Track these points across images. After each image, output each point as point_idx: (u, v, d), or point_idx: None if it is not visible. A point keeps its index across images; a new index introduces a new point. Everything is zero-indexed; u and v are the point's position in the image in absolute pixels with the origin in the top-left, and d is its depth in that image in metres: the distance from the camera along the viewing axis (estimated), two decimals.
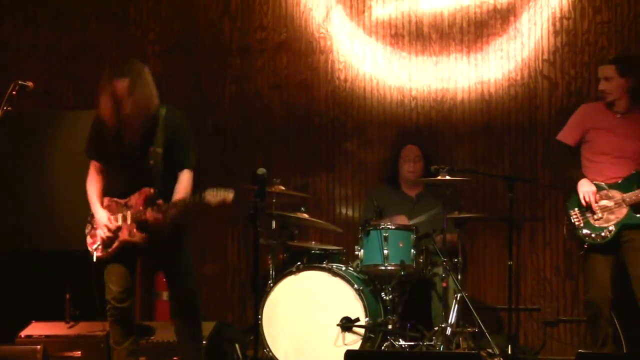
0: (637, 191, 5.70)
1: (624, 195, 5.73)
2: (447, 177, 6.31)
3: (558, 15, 7.13)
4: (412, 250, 6.24)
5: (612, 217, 5.74)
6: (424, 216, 6.60)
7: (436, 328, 6.24)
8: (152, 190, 5.27)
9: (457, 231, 6.54)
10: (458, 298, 6.25)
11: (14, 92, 5.35)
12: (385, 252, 6.20)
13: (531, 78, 7.16)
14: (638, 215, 5.71)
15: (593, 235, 5.76)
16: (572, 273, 7.07)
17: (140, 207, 5.28)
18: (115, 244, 5.31)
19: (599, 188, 5.80)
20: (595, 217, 5.76)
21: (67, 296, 6.49)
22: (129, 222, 5.28)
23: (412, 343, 6.18)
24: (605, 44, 7.06)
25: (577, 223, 5.81)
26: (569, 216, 5.86)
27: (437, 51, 7.26)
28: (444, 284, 6.29)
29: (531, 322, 7.10)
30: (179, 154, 5.36)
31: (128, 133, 5.28)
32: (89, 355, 6.19)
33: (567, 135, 6.00)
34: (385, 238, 6.21)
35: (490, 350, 6.22)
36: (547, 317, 7.06)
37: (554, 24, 7.13)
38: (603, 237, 5.74)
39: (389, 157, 7.13)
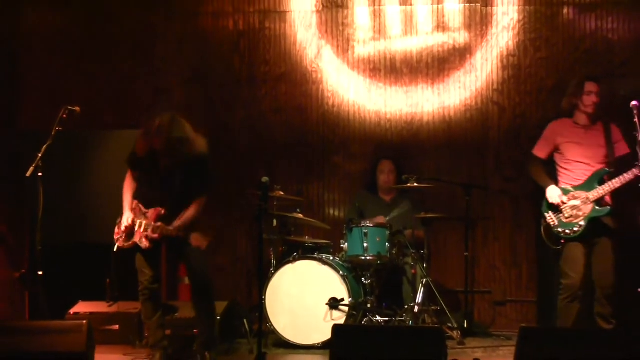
0: (598, 188, 5.57)
1: (588, 193, 5.59)
2: (416, 184, 6.38)
3: (505, 53, 7.16)
4: (387, 244, 6.29)
5: (580, 213, 5.59)
6: (396, 212, 6.59)
7: (406, 307, 6.31)
8: (162, 211, 5.38)
9: (423, 228, 6.59)
10: (424, 282, 6.31)
11: (64, 116, 5.44)
12: (365, 245, 6.24)
13: (484, 104, 7.18)
14: (600, 209, 5.58)
15: (567, 231, 5.61)
16: (517, 262, 7.11)
17: (152, 222, 5.38)
18: (131, 242, 5.43)
19: (566, 191, 5.65)
20: (566, 215, 5.62)
21: (107, 281, 6.48)
22: (142, 230, 5.39)
23: (387, 319, 6.24)
24: (544, 75, 7.10)
25: (552, 223, 5.66)
26: (545, 219, 5.71)
27: (408, 82, 7.27)
28: (413, 271, 6.38)
29: (484, 302, 7.15)
30: (195, 185, 5.42)
31: (162, 163, 5.38)
32: (125, 328, 6.26)
33: (540, 150, 5.84)
34: (365, 234, 6.26)
35: (450, 325, 6.32)
36: (496, 298, 7.11)
37: (502, 60, 7.16)
38: (575, 232, 5.59)
39: (368, 168, 7.11)
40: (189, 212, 5.43)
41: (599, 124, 5.74)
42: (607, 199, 5.65)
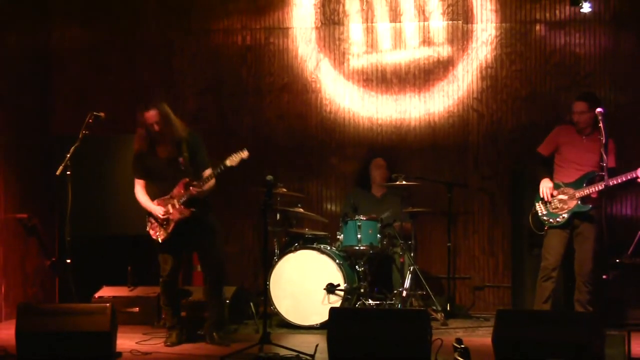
0: (584, 188, 5.63)
1: (575, 190, 5.66)
2: (404, 182, 6.37)
3: (484, 65, 7.14)
4: (378, 235, 6.28)
5: (565, 206, 5.65)
6: (388, 212, 6.54)
7: (395, 291, 6.30)
8: (187, 179, 5.36)
9: (411, 221, 6.57)
10: (411, 270, 6.31)
11: (90, 121, 5.46)
12: (359, 236, 6.23)
13: (464, 111, 7.16)
14: (582, 205, 5.64)
15: (551, 220, 5.69)
16: (494, 252, 7.10)
17: (182, 192, 5.35)
18: (172, 224, 5.38)
19: (557, 186, 5.72)
20: (553, 206, 5.68)
21: (129, 268, 6.53)
22: (177, 205, 5.35)
23: (378, 302, 6.23)
24: (518, 86, 7.09)
25: (540, 212, 5.74)
26: (534, 206, 5.79)
27: (397, 91, 7.24)
28: (401, 260, 6.38)
29: (464, 287, 7.14)
30: (200, 161, 5.44)
31: (162, 148, 5.35)
32: (144, 310, 6.28)
33: (543, 148, 5.89)
34: (359, 226, 6.25)
35: (434, 308, 6.32)
36: (476, 284, 7.10)
37: (481, 72, 7.14)
38: (558, 222, 5.67)
39: (362, 167, 7.08)
40: (208, 172, 5.39)
41: (596, 133, 5.64)
42: (594, 196, 5.67)
